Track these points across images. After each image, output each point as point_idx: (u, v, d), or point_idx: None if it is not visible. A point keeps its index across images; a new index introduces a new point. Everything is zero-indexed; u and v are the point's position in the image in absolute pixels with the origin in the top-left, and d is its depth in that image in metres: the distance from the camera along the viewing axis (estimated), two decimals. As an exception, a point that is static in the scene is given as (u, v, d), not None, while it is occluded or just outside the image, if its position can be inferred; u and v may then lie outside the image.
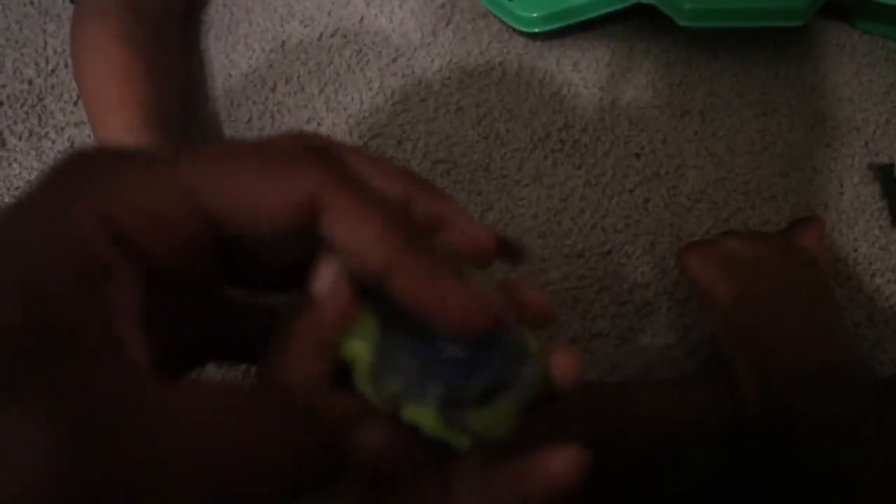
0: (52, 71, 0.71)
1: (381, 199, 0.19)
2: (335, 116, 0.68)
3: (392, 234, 0.18)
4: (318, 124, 0.67)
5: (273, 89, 0.69)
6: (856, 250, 0.60)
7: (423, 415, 0.19)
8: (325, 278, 0.19)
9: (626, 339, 0.57)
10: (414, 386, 0.19)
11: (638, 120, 0.67)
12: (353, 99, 0.69)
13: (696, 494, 0.46)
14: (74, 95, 0.69)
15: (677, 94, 0.68)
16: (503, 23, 0.71)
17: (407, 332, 0.20)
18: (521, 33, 0.71)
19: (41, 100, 0.69)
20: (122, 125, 0.58)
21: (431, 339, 0.20)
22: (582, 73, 0.69)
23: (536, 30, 0.69)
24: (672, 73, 0.69)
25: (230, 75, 0.70)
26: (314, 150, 0.19)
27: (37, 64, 0.71)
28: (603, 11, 0.67)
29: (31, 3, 0.75)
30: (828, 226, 0.61)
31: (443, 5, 0.74)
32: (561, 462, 0.21)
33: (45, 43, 0.73)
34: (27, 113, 0.68)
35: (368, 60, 0.71)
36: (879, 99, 0.67)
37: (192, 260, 0.19)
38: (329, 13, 0.74)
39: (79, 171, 0.17)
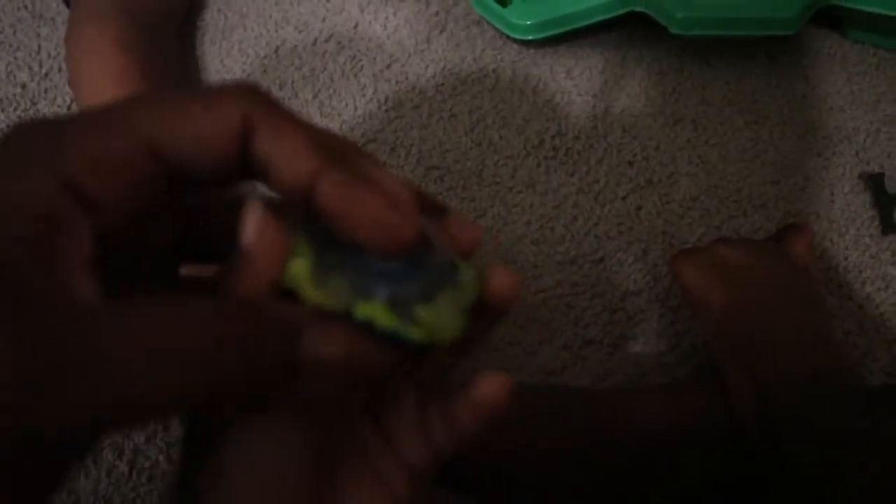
0: (46, 75, 0.71)
1: (309, 128, 0.20)
2: (329, 122, 0.68)
3: (317, 146, 0.19)
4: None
5: (267, 95, 0.69)
6: (846, 258, 0.60)
7: (375, 309, 0.20)
8: (252, 226, 0.20)
9: (618, 346, 0.57)
10: (358, 287, 0.20)
11: (631, 127, 0.67)
12: (346, 105, 0.69)
13: (691, 498, 0.47)
14: (68, 99, 0.69)
15: (670, 102, 0.68)
16: (497, 30, 0.72)
17: (340, 254, 0.20)
18: (515, 41, 0.71)
19: (34, 104, 0.69)
20: None
21: (364, 258, 0.20)
22: (575, 80, 0.70)
23: (530, 37, 0.69)
24: (665, 81, 0.70)
25: (224, 80, 0.70)
26: (245, 83, 0.20)
27: (30, 68, 0.71)
28: (597, 19, 0.67)
29: (25, 7, 0.75)
30: (818, 234, 0.61)
31: (437, 12, 0.74)
32: (488, 387, 0.22)
33: (39, 47, 0.73)
34: (20, 117, 0.68)
35: (362, 66, 0.71)
36: (870, 108, 0.68)
37: (147, 207, 0.19)
38: (323, 19, 0.74)
39: (30, 132, 0.18)
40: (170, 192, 0.20)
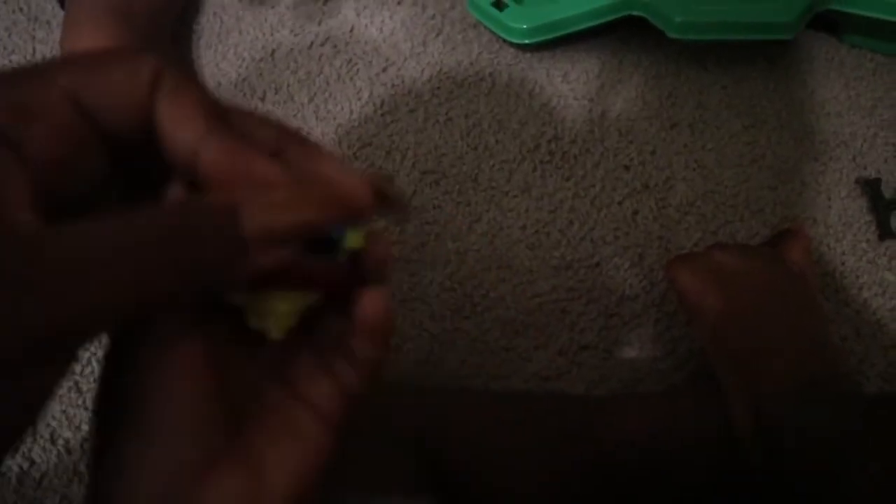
0: (41, 78, 0.70)
1: (205, 96, 0.21)
2: (324, 126, 0.68)
3: (207, 115, 0.20)
4: (308, 133, 0.67)
5: (262, 98, 0.69)
6: (843, 264, 0.60)
7: None
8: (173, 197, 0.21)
9: (613, 351, 0.57)
10: None
11: (627, 132, 0.67)
12: (342, 108, 0.68)
13: (688, 501, 0.46)
14: (62, 103, 0.68)
15: (666, 106, 0.68)
16: (493, 34, 0.71)
17: None
18: (511, 44, 0.71)
19: (29, 107, 0.69)
20: None
21: None
22: (571, 84, 0.70)
23: (526, 41, 0.69)
24: (661, 85, 0.69)
25: (220, 84, 0.70)
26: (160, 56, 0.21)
27: (25, 71, 0.71)
28: (593, 23, 0.67)
29: (21, 10, 0.75)
30: (815, 239, 0.61)
31: (433, 16, 0.74)
32: (369, 303, 0.23)
33: (34, 49, 0.72)
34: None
35: (358, 70, 0.71)
36: (867, 113, 0.68)
37: (83, 165, 0.20)
38: (319, 23, 0.74)
39: None
40: (107, 156, 0.20)
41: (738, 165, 0.65)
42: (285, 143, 0.22)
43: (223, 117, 0.21)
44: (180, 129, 0.20)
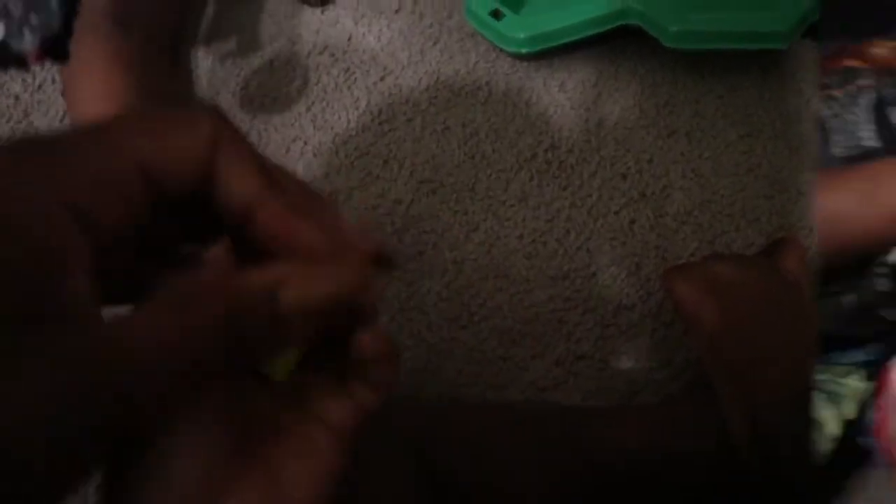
0: (39, 87, 0.71)
1: (255, 149, 0.22)
2: (322, 135, 0.68)
3: (262, 173, 0.22)
4: (305, 143, 0.67)
5: (260, 107, 0.69)
6: (839, 273, 0.60)
7: None
8: (216, 255, 0.23)
9: (610, 361, 0.57)
10: None
11: (624, 140, 0.67)
12: (339, 117, 0.69)
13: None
14: (61, 112, 0.68)
15: (663, 115, 0.68)
16: (491, 43, 0.72)
17: None
18: (509, 53, 0.71)
19: (27, 116, 0.69)
20: None
21: None
22: (568, 93, 0.70)
23: (524, 50, 0.69)
24: (658, 93, 0.70)
25: (218, 93, 0.70)
26: (210, 105, 0.22)
27: (23, 80, 0.71)
28: (590, 33, 0.67)
29: (19, 19, 0.75)
30: (811, 249, 0.61)
31: (431, 25, 0.74)
32: (367, 343, 0.25)
33: (32, 58, 0.73)
34: (13, 129, 0.68)
35: (356, 79, 0.71)
36: (863, 122, 0.68)
37: (136, 223, 0.21)
38: (317, 31, 0.74)
39: (25, 151, 0.19)
40: (154, 211, 0.21)
41: (734, 174, 0.65)
42: (309, 200, 0.24)
43: (271, 173, 0.22)
44: (237, 185, 0.21)
